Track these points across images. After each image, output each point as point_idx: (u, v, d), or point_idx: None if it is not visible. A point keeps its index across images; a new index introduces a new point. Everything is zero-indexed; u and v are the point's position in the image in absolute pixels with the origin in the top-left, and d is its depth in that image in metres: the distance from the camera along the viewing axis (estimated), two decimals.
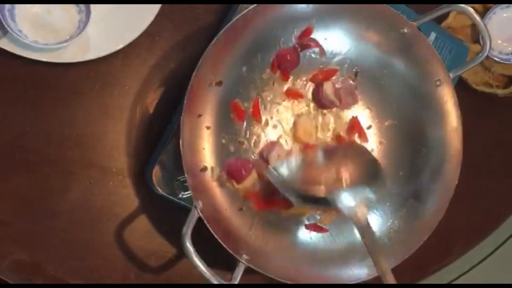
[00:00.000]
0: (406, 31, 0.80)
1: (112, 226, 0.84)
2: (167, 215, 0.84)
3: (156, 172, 0.80)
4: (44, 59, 0.79)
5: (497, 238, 1.03)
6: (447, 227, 0.95)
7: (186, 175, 0.71)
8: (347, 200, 0.73)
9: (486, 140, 1.01)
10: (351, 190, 0.74)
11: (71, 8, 0.80)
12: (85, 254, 0.83)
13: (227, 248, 0.72)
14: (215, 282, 0.68)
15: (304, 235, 0.81)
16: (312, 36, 0.81)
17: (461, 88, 0.97)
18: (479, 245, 1.02)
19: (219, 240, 0.72)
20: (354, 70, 0.83)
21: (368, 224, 0.71)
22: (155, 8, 0.82)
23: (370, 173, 0.76)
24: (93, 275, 0.84)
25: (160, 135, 0.84)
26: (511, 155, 1.03)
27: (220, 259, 0.73)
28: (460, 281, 1.02)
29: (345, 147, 0.82)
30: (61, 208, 0.82)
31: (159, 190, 0.80)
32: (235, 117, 0.78)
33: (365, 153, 0.80)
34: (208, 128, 0.77)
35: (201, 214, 0.70)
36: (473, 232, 1.02)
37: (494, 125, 1.02)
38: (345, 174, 0.75)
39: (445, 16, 0.96)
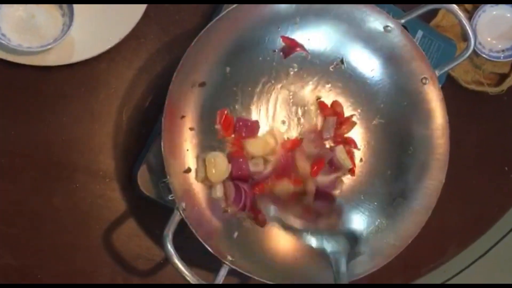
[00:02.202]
0: (390, 29, 0.79)
1: (100, 229, 0.84)
2: (155, 218, 0.83)
3: (142, 175, 0.80)
4: (29, 63, 0.79)
5: (490, 238, 1.02)
6: (440, 228, 0.95)
7: (168, 177, 0.71)
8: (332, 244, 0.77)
9: (477, 139, 1.01)
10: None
11: (55, 11, 0.80)
12: (72, 258, 0.83)
13: (210, 250, 0.71)
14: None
15: (290, 237, 0.80)
16: (297, 35, 0.80)
17: (452, 87, 0.97)
18: (472, 246, 1.01)
19: (202, 242, 0.71)
20: (339, 58, 0.83)
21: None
22: (140, 10, 0.82)
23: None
24: (80, 279, 0.83)
25: (146, 138, 0.84)
26: (503, 154, 1.02)
27: (209, 256, 0.72)
28: (453, 282, 1.01)
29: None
30: (47, 212, 0.82)
31: (146, 192, 0.80)
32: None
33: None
34: (191, 129, 0.76)
35: (183, 216, 0.70)
36: (466, 233, 1.01)
37: (486, 124, 1.01)
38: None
39: (434, 14, 0.96)
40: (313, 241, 0.79)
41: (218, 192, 0.77)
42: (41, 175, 0.82)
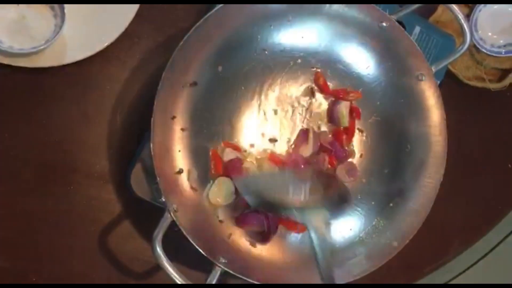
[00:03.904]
0: (385, 25, 0.78)
1: (95, 231, 0.83)
2: (151, 219, 0.81)
3: (135, 176, 0.79)
4: (21, 65, 0.79)
5: (494, 237, 1.00)
6: (442, 227, 0.93)
7: (158, 178, 0.70)
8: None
9: (480, 136, 0.98)
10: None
11: (46, 12, 0.79)
12: (67, 260, 0.83)
13: (203, 252, 0.70)
14: None
15: (288, 240, 0.79)
16: (289, 33, 0.79)
17: (452, 83, 0.95)
18: (475, 245, 0.99)
19: (194, 245, 0.70)
20: (334, 55, 0.82)
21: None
22: (133, 9, 0.82)
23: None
24: (75, 281, 0.83)
25: (141, 139, 0.83)
26: (507, 151, 1.00)
27: (205, 257, 0.71)
28: (456, 282, 0.99)
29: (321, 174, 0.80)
30: (42, 214, 0.82)
31: (139, 194, 0.79)
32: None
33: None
34: (183, 130, 0.75)
35: (174, 218, 0.69)
36: (469, 231, 0.99)
37: (488, 120, 0.99)
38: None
39: (433, 10, 0.94)
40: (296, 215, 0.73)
41: (220, 215, 0.77)
42: (35, 177, 0.82)
